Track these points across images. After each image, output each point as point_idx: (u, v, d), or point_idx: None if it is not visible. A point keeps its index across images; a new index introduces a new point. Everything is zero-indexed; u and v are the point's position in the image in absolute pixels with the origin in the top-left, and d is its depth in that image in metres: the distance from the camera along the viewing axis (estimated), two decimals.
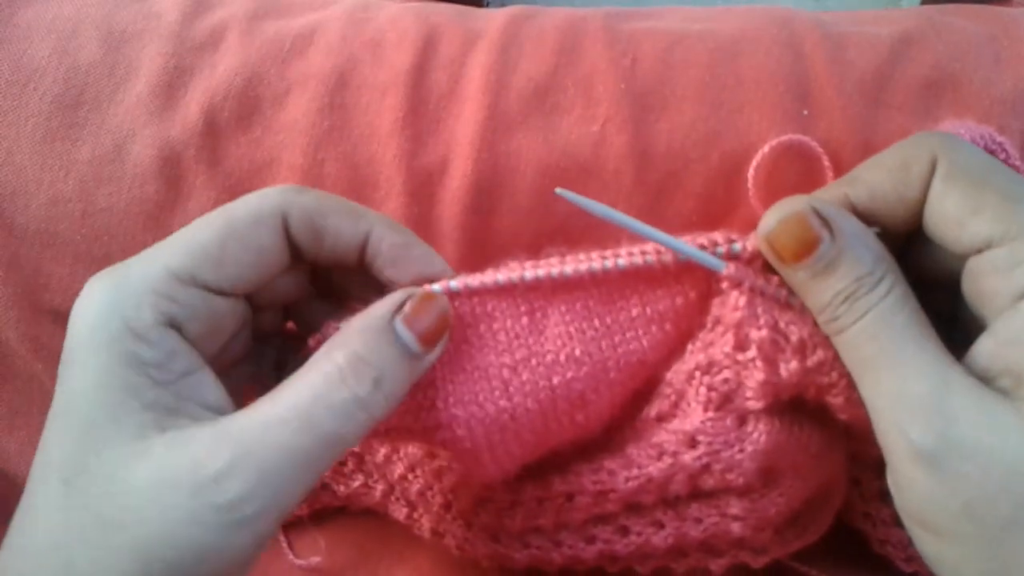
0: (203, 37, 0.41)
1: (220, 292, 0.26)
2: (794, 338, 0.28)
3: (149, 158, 0.39)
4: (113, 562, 0.22)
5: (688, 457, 0.30)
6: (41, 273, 0.40)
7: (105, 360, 0.24)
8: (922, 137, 0.27)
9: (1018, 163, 0.35)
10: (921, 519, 0.24)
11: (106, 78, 0.40)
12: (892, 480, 0.25)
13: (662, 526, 0.32)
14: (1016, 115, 0.38)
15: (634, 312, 0.30)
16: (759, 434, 0.29)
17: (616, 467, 0.31)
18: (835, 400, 0.29)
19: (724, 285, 0.29)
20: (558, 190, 0.29)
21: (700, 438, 0.30)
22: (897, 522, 0.34)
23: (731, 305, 0.29)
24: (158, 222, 0.40)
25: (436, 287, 0.28)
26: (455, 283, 0.29)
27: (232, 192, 0.40)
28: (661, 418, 0.31)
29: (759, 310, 0.28)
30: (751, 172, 0.37)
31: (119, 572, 0.22)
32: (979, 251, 0.25)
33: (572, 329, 0.29)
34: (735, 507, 0.31)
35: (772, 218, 0.27)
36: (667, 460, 0.30)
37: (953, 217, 0.25)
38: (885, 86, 0.39)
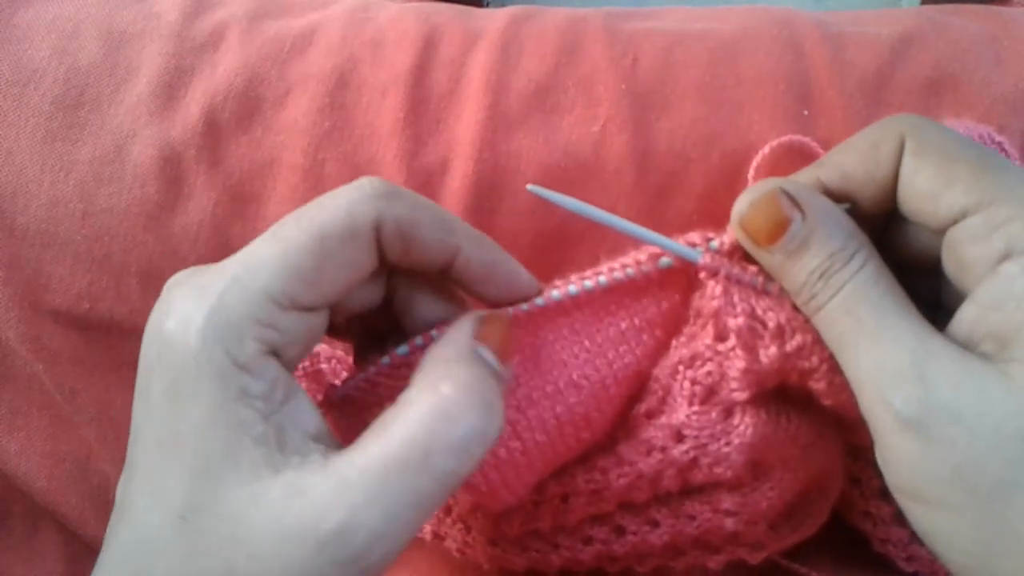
0: (203, 37, 0.41)
1: (311, 309, 0.25)
2: (772, 324, 0.28)
3: (149, 158, 0.39)
4: None
5: (676, 452, 0.30)
6: (41, 273, 0.40)
7: (214, 394, 0.23)
8: (890, 119, 0.28)
9: (1018, 161, 0.35)
10: (912, 491, 0.24)
11: (106, 78, 0.40)
12: (880, 455, 0.25)
13: (657, 524, 0.33)
14: (1016, 114, 0.38)
15: (623, 326, 0.30)
16: (745, 426, 0.30)
17: (608, 465, 0.31)
18: (818, 385, 0.29)
19: (702, 276, 0.29)
20: (529, 186, 0.29)
21: (686, 432, 0.30)
22: (898, 520, 0.34)
23: (708, 295, 0.29)
24: (159, 222, 0.40)
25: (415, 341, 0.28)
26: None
27: (233, 192, 0.40)
28: (650, 415, 0.31)
29: (736, 298, 0.28)
30: (751, 172, 0.37)
31: None
32: (956, 222, 0.25)
33: (565, 356, 0.29)
34: (727, 502, 0.31)
35: (743, 202, 0.27)
36: (656, 456, 0.30)
37: (927, 191, 0.25)
38: (886, 86, 0.39)
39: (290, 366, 0.25)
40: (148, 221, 0.40)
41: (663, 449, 0.30)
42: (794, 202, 0.26)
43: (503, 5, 0.46)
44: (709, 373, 0.29)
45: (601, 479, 0.31)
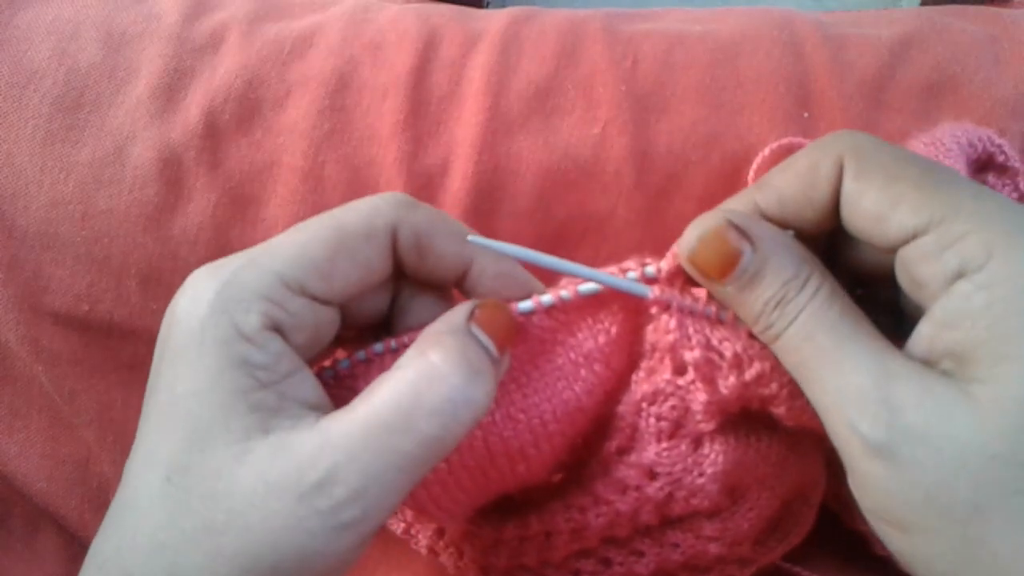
0: (203, 39, 0.41)
1: (323, 301, 0.26)
2: (728, 354, 0.28)
3: (149, 160, 0.39)
4: (221, 566, 0.22)
5: (651, 489, 0.30)
6: (41, 275, 0.40)
7: (215, 362, 0.24)
8: (829, 138, 0.27)
9: (1018, 164, 0.35)
10: (887, 516, 0.24)
11: (106, 80, 0.40)
12: (851, 481, 0.25)
13: (643, 554, 0.33)
14: (1016, 116, 0.38)
15: (559, 361, 0.29)
16: (716, 455, 0.29)
17: (586, 504, 0.31)
18: (778, 411, 0.29)
19: (653, 310, 0.28)
20: (470, 238, 0.29)
21: (659, 469, 0.30)
22: None
23: (663, 329, 0.28)
24: (158, 224, 0.40)
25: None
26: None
27: (232, 194, 0.40)
28: (621, 451, 0.31)
29: (690, 330, 0.28)
30: (751, 174, 0.37)
31: (225, 575, 0.23)
32: (906, 242, 0.24)
33: (500, 393, 0.29)
34: (708, 529, 0.31)
35: (691, 237, 0.27)
36: (632, 494, 0.30)
37: (873, 214, 0.25)
38: (885, 88, 0.39)
39: (299, 352, 0.26)
40: (148, 223, 0.40)
41: (638, 488, 0.30)
42: (743, 233, 0.26)
43: (503, 6, 0.46)
44: (673, 408, 0.29)
45: (580, 518, 0.31)
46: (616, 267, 0.29)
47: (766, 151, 0.37)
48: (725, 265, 0.26)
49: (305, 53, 0.41)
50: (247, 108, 0.40)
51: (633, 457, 0.30)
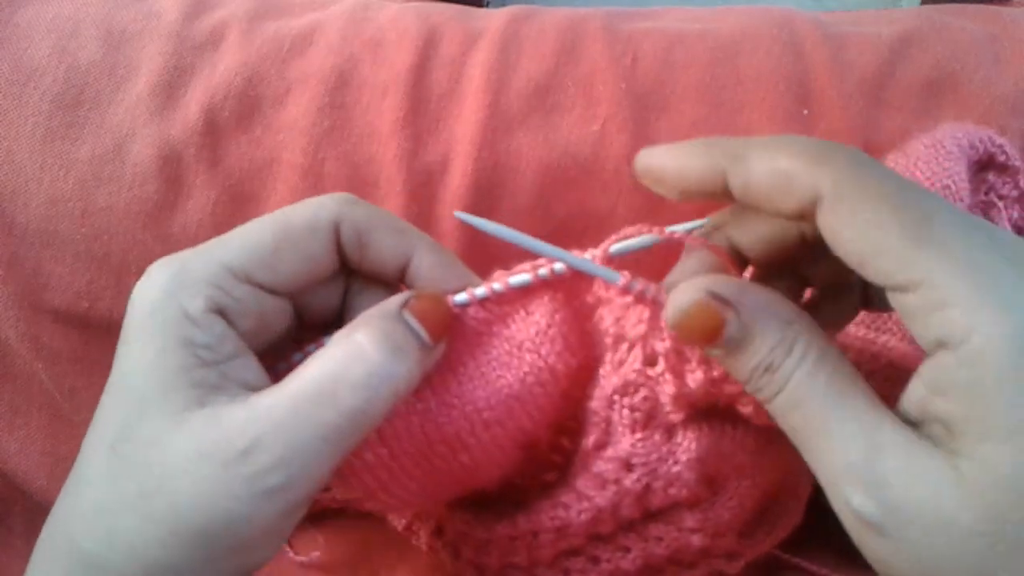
0: (203, 37, 0.41)
1: (271, 291, 0.28)
2: (698, 350, 0.28)
3: (149, 157, 0.39)
4: (151, 528, 0.24)
5: (628, 481, 0.30)
6: (41, 272, 0.40)
7: (161, 341, 0.25)
8: (814, 152, 0.25)
9: (1018, 163, 0.35)
10: (890, 574, 0.24)
11: (106, 77, 0.40)
12: (855, 541, 0.25)
13: (628, 550, 0.33)
14: (1016, 115, 0.38)
15: (494, 352, 0.30)
16: (689, 442, 0.30)
17: (569, 501, 0.32)
18: (745, 409, 0.29)
19: (613, 295, 0.29)
20: (457, 213, 0.31)
21: (634, 460, 0.30)
22: None
23: (635, 319, 0.29)
24: (158, 221, 0.40)
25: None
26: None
27: (232, 192, 0.40)
28: (599, 447, 0.31)
29: (663, 323, 0.28)
30: None
31: (156, 538, 0.24)
32: (888, 289, 0.23)
33: (435, 378, 0.29)
34: (689, 520, 0.32)
35: (675, 306, 0.26)
36: (611, 488, 0.31)
37: (853, 254, 0.23)
38: (885, 86, 0.39)
39: (247, 338, 0.27)
40: (147, 220, 0.40)
41: (616, 481, 0.30)
42: (725, 301, 0.25)
43: (503, 5, 0.46)
44: (645, 398, 0.29)
45: (564, 515, 0.32)
46: (583, 252, 0.29)
47: None
48: (710, 333, 0.25)
49: (305, 51, 0.41)
50: (247, 105, 0.40)
51: (609, 451, 0.31)
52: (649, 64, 0.40)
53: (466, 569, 0.35)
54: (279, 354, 0.29)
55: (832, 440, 0.24)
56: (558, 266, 0.29)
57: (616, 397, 0.30)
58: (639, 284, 0.28)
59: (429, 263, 0.29)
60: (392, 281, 0.30)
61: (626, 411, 0.30)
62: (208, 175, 0.40)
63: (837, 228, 0.23)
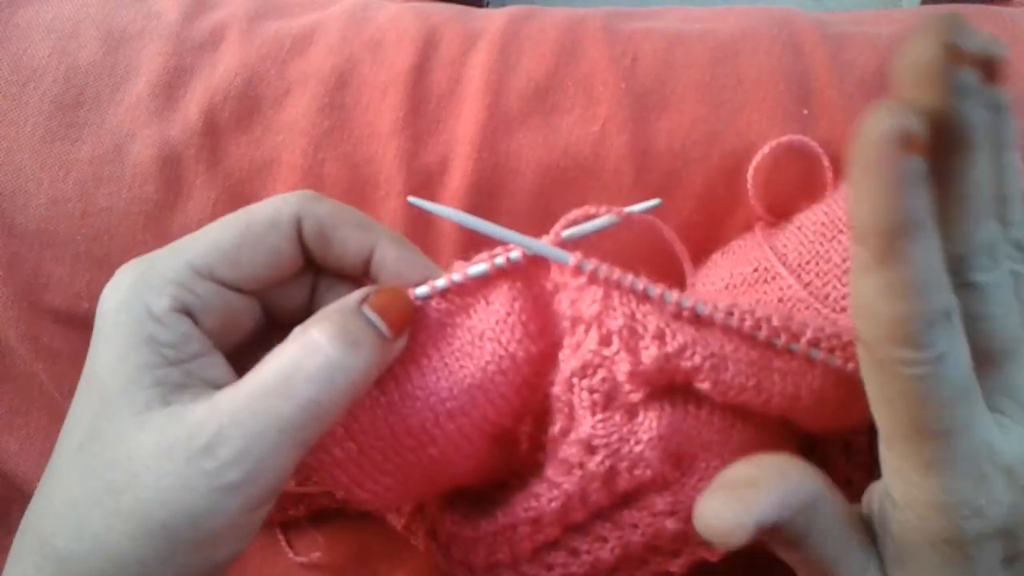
0: (203, 37, 0.41)
1: (235, 288, 0.28)
2: (652, 326, 0.28)
3: (149, 158, 0.39)
4: (119, 523, 0.25)
5: (592, 464, 0.30)
6: (41, 273, 0.40)
7: (126, 339, 0.26)
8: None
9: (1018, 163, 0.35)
10: None
11: (106, 78, 0.40)
12: None
13: (606, 540, 0.33)
14: (1016, 115, 0.38)
15: (457, 343, 0.30)
16: (650, 421, 0.30)
17: (540, 491, 0.32)
18: (703, 386, 0.29)
19: (568, 279, 0.29)
20: (410, 198, 0.32)
21: (596, 442, 0.30)
22: None
23: (588, 300, 0.29)
24: (158, 222, 0.40)
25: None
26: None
27: (232, 192, 0.40)
28: (564, 432, 0.31)
29: (615, 301, 0.29)
30: (751, 172, 0.37)
31: (125, 533, 0.25)
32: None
33: (398, 370, 0.30)
34: (660, 503, 0.31)
35: (719, 526, 0.25)
36: (576, 473, 0.30)
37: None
38: (886, 86, 0.39)
39: (214, 336, 0.28)
40: (147, 221, 0.40)
41: (580, 465, 0.30)
42: (775, 528, 0.24)
43: (503, 5, 0.46)
44: (604, 379, 0.29)
45: (536, 505, 0.32)
46: (546, 239, 0.30)
47: (766, 149, 0.37)
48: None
49: (305, 51, 0.41)
50: (247, 106, 0.40)
51: (572, 435, 0.30)
52: (649, 64, 0.40)
53: (457, 569, 0.35)
54: (249, 353, 0.29)
55: None
56: (514, 254, 0.30)
57: (575, 380, 0.30)
58: (590, 264, 0.29)
59: (393, 257, 0.30)
60: (357, 276, 0.31)
61: (585, 393, 0.30)
62: (208, 176, 0.40)
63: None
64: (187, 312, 0.27)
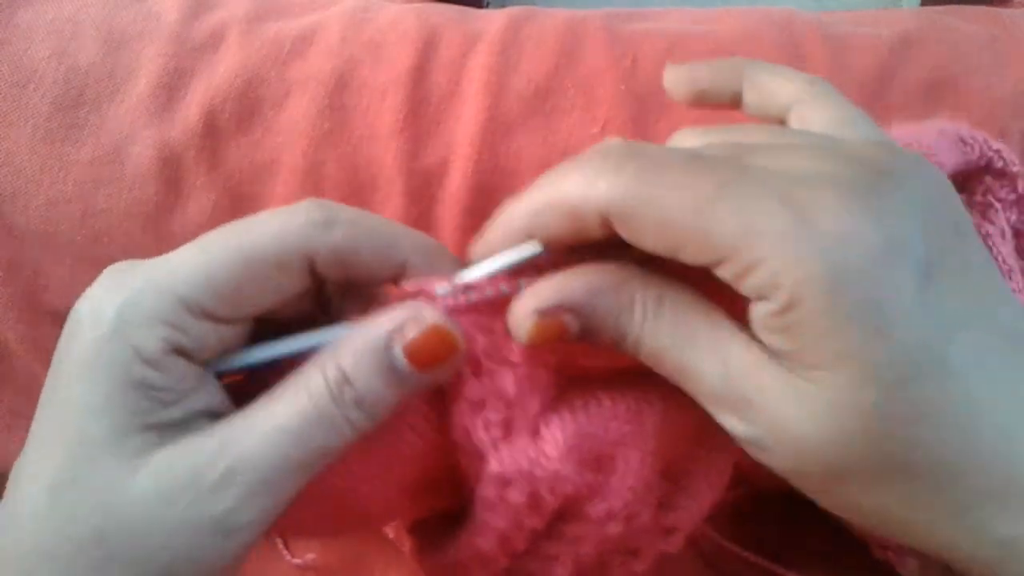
0: (203, 38, 0.41)
1: (232, 322, 0.26)
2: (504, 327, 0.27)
3: (149, 159, 0.39)
4: (110, 570, 0.23)
5: (513, 496, 0.28)
6: (41, 274, 0.40)
7: (111, 383, 0.24)
8: (588, 174, 0.24)
9: (1016, 168, 0.35)
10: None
11: (106, 79, 0.40)
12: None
13: (556, 557, 0.31)
14: (1016, 116, 0.38)
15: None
16: (554, 434, 0.28)
17: (475, 530, 0.30)
18: (588, 361, 0.28)
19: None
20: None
21: (509, 475, 0.28)
22: None
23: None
24: (158, 223, 0.40)
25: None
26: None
27: (232, 194, 0.40)
28: (478, 474, 0.29)
29: (474, 326, 0.27)
30: None
31: None
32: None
33: None
34: (594, 512, 0.30)
35: (517, 334, 0.26)
36: (500, 508, 0.29)
37: (660, 252, 0.24)
38: (885, 87, 0.39)
39: (204, 363, 0.26)
40: (147, 222, 0.40)
41: (502, 499, 0.29)
42: (554, 309, 0.25)
43: (503, 6, 0.46)
44: (495, 410, 0.28)
45: (475, 542, 0.30)
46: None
47: None
48: (562, 338, 0.25)
49: (305, 52, 0.41)
50: (247, 107, 0.40)
51: (485, 473, 0.29)
52: (649, 66, 0.40)
53: None
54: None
55: (693, 374, 0.24)
56: (529, 251, 0.28)
57: (469, 419, 0.28)
58: (443, 289, 0.27)
59: (427, 272, 0.28)
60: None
61: (483, 430, 0.28)
62: (208, 177, 0.40)
63: (635, 240, 0.24)
64: (180, 352, 0.24)
